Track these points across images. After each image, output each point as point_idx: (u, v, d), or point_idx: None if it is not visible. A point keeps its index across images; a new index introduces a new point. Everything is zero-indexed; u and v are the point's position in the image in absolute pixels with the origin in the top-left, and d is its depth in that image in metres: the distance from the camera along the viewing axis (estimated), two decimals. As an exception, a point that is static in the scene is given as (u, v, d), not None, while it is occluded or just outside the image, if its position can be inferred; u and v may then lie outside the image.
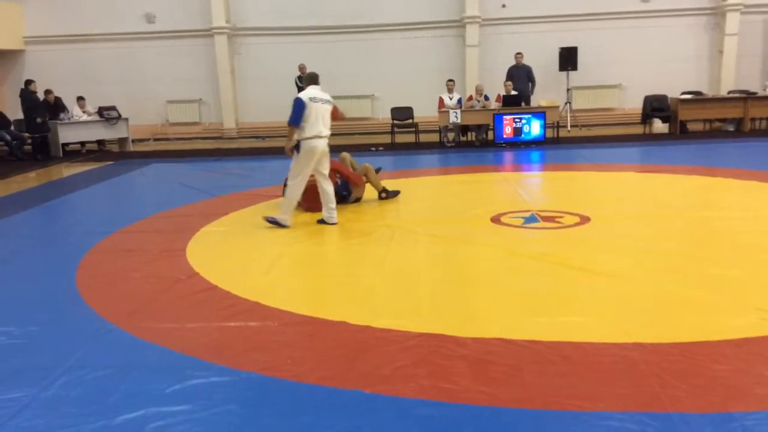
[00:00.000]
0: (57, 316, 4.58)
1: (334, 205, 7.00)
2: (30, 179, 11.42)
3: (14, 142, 13.80)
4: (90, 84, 16.03)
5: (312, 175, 6.94)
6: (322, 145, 6.79)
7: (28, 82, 13.99)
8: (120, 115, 14.84)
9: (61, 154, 14.06)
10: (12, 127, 14.20)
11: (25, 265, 6.07)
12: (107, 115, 14.67)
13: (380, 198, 8.10)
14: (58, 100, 14.41)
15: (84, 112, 14.77)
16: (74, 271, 5.61)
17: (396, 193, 8.22)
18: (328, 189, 6.99)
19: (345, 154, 8.21)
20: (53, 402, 3.34)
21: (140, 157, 13.76)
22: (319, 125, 6.72)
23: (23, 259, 6.24)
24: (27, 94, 13.80)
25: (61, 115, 14.20)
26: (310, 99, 6.71)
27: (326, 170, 6.98)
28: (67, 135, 14.32)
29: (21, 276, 5.70)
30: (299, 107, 6.67)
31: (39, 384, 3.52)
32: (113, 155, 14.30)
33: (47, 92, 14.20)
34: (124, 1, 16.30)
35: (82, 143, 14.97)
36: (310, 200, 7.27)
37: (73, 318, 4.53)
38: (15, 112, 15.87)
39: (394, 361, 3.63)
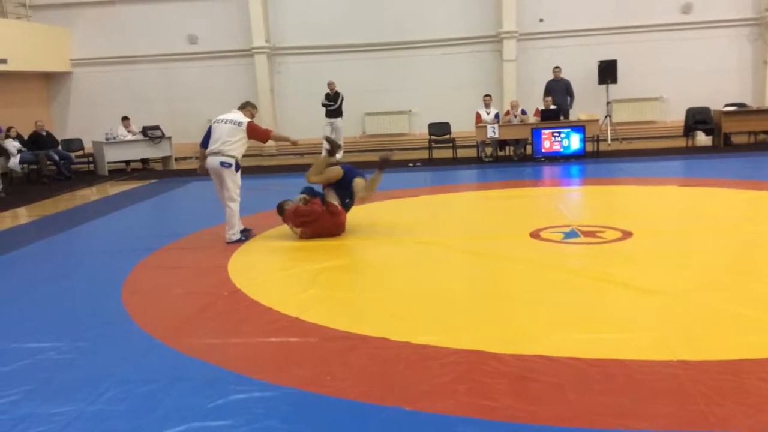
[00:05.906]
0: (104, 331, 4.68)
1: (232, 230, 7.29)
2: (77, 197, 11.73)
3: (62, 161, 14.19)
4: (135, 104, 16.47)
5: (315, 200, 7.37)
6: (210, 162, 7.30)
7: None
8: (163, 134, 15.16)
9: (106, 172, 14.45)
10: (59, 147, 14.62)
11: (72, 281, 6.21)
12: (151, 134, 15.00)
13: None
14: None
15: (128, 131, 15.15)
16: (120, 287, 5.73)
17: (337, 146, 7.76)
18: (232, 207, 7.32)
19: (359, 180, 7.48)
20: (100, 416, 3.41)
21: (183, 175, 14.00)
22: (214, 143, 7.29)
23: (71, 276, 6.39)
24: None
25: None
26: (215, 120, 7.52)
27: (226, 188, 7.28)
28: (112, 154, 14.71)
29: (69, 292, 5.84)
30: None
31: (86, 398, 3.60)
32: (157, 173, 14.61)
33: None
34: (168, 24, 16.70)
35: (127, 162, 15.32)
36: (305, 226, 7.27)
37: (120, 333, 4.63)
38: (62, 132, 16.41)
39: (434, 377, 3.62)
